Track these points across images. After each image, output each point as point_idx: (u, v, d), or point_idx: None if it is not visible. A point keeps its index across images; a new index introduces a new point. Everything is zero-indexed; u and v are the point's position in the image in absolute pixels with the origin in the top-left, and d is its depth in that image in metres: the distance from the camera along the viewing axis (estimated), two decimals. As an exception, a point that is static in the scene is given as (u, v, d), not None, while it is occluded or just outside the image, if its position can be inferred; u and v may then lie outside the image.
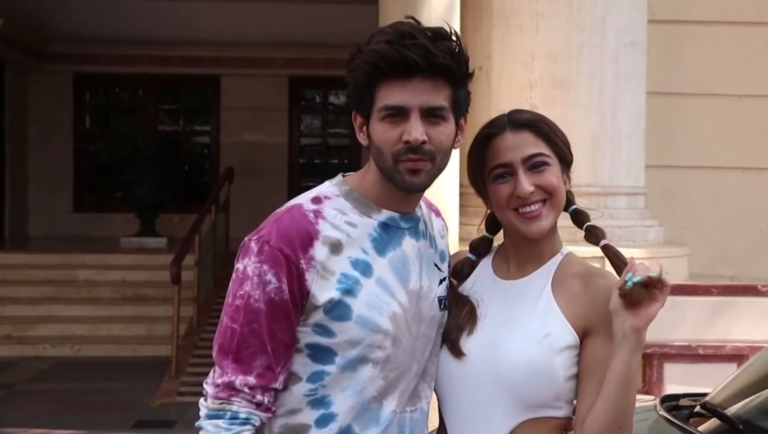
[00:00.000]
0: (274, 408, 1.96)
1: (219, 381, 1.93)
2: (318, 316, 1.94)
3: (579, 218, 2.14)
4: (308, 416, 1.98)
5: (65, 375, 9.05)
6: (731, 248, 7.48)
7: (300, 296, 1.93)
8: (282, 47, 13.40)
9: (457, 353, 2.05)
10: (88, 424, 7.24)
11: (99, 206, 13.90)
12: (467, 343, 2.05)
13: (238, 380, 1.92)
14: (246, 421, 1.92)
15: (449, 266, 2.19)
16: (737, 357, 5.94)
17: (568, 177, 2.12)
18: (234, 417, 1.92)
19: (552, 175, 2.05)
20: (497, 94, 6.24)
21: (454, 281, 2.16)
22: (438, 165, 1.98)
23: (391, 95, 1.94)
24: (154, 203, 12.44)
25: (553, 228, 2.11)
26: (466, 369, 2.05)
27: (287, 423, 1.99)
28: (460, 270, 2.18)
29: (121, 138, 14.85)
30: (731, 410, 3.36)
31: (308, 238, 1.94)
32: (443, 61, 1.93)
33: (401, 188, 1.99)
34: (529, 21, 6.14)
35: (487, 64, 6.32)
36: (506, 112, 2.13)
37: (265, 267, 1.93)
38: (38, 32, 12.91)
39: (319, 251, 1.94)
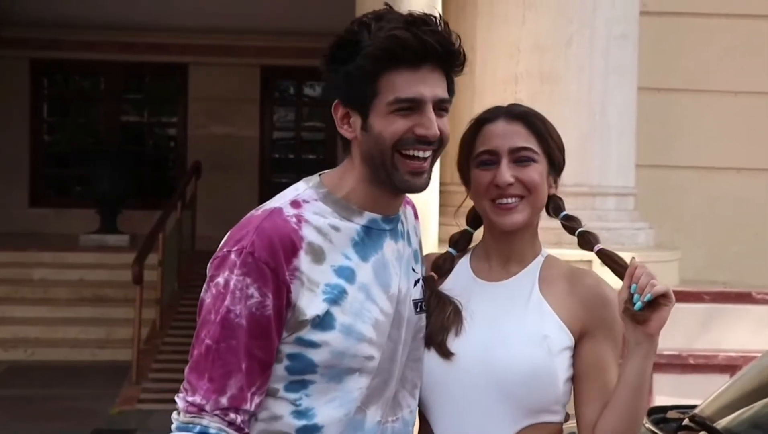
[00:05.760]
0: (247, 430, 1.95)
1: (190, 399, 1.92)
2: (303, 330, 1.94)
3: (571, 224, 2.17)
4: (289, 424, 1.98)
5: (18, 380, 9.01)
6: (725, 252, 7.51)
7: (285, 311, 1.93)
8: (254, 35, 13.37)
9: (446, 354, 2.07)
10: (42, 433, 7.22)
11: (57, 201, 13.83)
12: (455, 344, 2.08)
13: (210, 405, 1.90)
14: None
15: (422, 266, 2.20)
16: (730, 367, 5.96)
17: (556, 181, 2.17)
18: (203, 432, 1.91)
19: (535, 172, 2.09)
20: (481, 87, 6.24)
21: (435, 276, 2.17)
22: (434, 162, 2.02)
23: (403, 86, 1.94)
24: (116, 199, 12.38)
25: (533, 228, 2.16)
26: (457, 376, 2.07)
27: (267, 429, 1.99)
28: (442, 265, 2.20)
29: (81, 129, 14.79)
30: (721, 423, 3.38)
31: (292, 247, 1.93)
32: (455, 49, 1.98)
33: (401, 188, 2.01)
34: (515, 11, 6.15)
35: (470, 57, 6.21)
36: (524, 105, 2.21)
37: (248, 280, 1.91)
38: (-7, 15, 12.83)
39: (304, 261, 1.94)
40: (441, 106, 1.98)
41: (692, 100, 7.57)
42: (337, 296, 1.95)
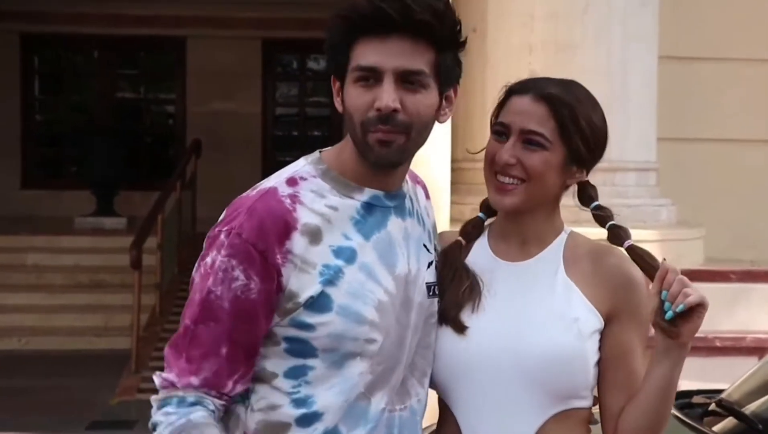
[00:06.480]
0: (227, 399, 1.97)
1: (165, 375, 1.97)
2: (296, 312, 1.94)
3: (601, 216, 2.15)
4: (288, 414, 1.98)
5: (12, 370, 9.02)
6: (751, 229, 7.50)
7: (276, 295, 1.93)
8: (255, 6, 13.32)
9: (460, 328, 2.07)
10: (37, 425, 7.23)
11: (50, 183, 13.83)
12: (471, 322, 2.07)
13: (181, 383, 1.94)
14: (196, 403, 1.94)
15: (436, 248, 2.18)
16: (758, 350, 5.96)
17: (578, 172, 2.12)
18: (182, 401, 1.94)
19: (540, 159, 2.06)
20: (493, 58, 6.23)
21: (463, 241, 2.16)
22: (413, 139, 1.97)
23: (364, 55, 1.94)
24: (112, 180, 12.38)
25: (546, 209, 2.13)
26: (479, 359, 2.06)
27: (265, 420, 2.00)
28: (470, 231, 2.19)
29: (75, 107, 14.78)
30: (749, 408, 3.38)
31: (285, 229, 1.93)
32: (422, 17, 1.92)
33: (371, 162, 1.99)
34: (529, -24, 6.13)
35: (481, 26, 6.31)
36: (539, 76, 2.18)
37: (234, 262, 1.92)
38: (-20, -12, 12.81)
39: (298, 243, 1.94)
40: (411, 79, 1.94)
41: (716, 69, 7.54)
42: (333, 277, 1.95)
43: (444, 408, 2.15)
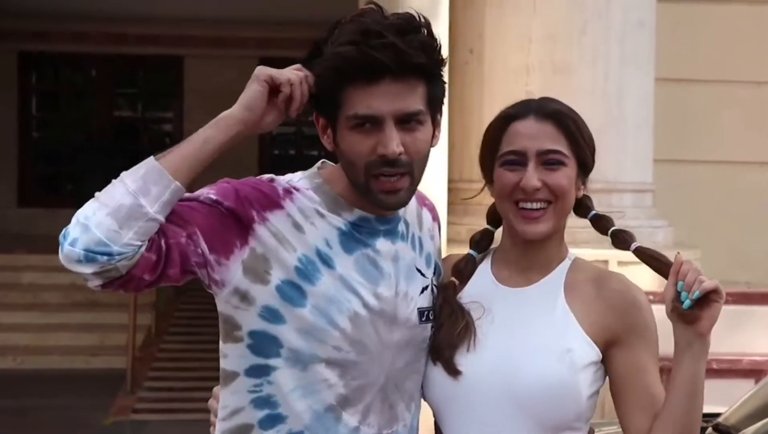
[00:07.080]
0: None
1: None
2: (267, 295, 1.94)
3: (602, 223, 2.15)
4: (251, 415, 1.99)
5: (7, 390, 8.99)
6: (748, 251, 7.49)
7: (241, 236, 1.94)
8: (252, 25, 13.37)
9: (453, 371, 2.05)
10: (32, 445, 7.22)
11: (46, 201, 13.81)
12: (466, 359, 2.04)
13: None
14: None
15: (436, 272, 2.17)
16: (755, 372, 5.94)
17: (584, 183, 2.14)
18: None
19: (564, 177, 2.06)
20: (490, 79, 6.22)
21: (456, 282, 2.14)
22: (416, 177, 1.98)
23: (359, 102, 1.92)
24: (109, 198, 12.36)
25: (559, 233, 2.12)
26: (471, 389, 2.04)
27: (230, 428, 2.01)
28: (462, 269, 2.17)
29: (72, 125, 14.79)
30: (746, 432, 3.36)
31: (271, 204, 1.97)
32: (417, 61, 1.91)
33: (377, 206, 2.00)
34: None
35: (478, 46, 6.31)
36: (536, 97, 2.15)
37: (211, 192, 1.98)
38: (-21, 6, 12.83)
39: (281, 220, 1.96)
40: (410, 120, 1.94)
41: (712, 91, 7.55)
42: (309, 273, 1.95)
43: (439, 430, 2.14)
